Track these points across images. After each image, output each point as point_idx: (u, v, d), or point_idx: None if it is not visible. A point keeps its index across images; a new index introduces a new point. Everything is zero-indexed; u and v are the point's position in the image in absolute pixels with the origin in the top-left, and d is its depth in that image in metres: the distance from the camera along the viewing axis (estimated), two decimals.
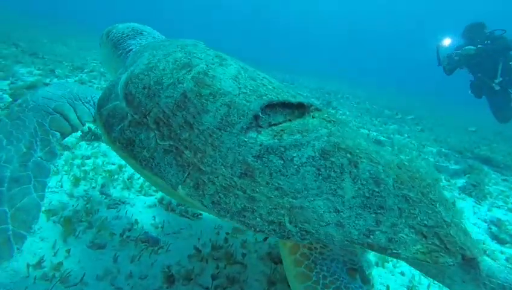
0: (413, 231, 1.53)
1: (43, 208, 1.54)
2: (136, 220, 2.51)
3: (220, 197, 1.37)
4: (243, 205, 1.36)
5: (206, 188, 1.38)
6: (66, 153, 3.39)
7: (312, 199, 1.43)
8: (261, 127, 1.59)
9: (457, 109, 21.24)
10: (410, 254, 1.47)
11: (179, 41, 1.98)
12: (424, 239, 1.53)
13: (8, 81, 5.37)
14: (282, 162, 1.47)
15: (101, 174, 3.11)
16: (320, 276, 1.48)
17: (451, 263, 1.53)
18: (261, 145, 1.48)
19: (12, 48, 8.38)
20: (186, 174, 1.40)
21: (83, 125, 1.74)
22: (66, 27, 23.16)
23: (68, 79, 6.72)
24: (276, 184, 1.42)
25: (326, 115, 1.85)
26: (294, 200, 1.41)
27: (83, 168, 3.14)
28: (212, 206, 1.35)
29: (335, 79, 26.22)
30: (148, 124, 1.51)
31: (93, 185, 2.92)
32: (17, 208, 1.30)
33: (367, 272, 1.71)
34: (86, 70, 8.06)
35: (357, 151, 1.63)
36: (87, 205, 2.54)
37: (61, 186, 2.76)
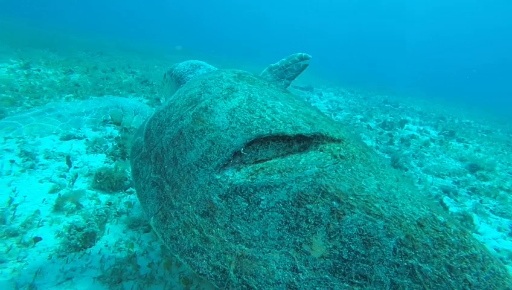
0: None
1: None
2: None
3: (179, 233, 1.44)
4: (195, 245, 1.38)
5: (170, 222, 1.48)
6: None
7: (268, 250, 1.29)
8: (244, 163, 1.54)
9: None
10: None
11: (210, 74, 2.13)
12: None
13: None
14: (247, 204, 1.39)
15: None
16: None
17: None
18: (230, 184, 1.44)
19: (130, 76, 9.36)
20: (160, 207, 1.55)
21: (129, 127, 2.38)
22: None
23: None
24: (234, 228, 1.36)
25: (338, 148, 1.57)
26: (247, 248, 1.31)
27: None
28: (169, 241, 1.44)
29: (438, 97, 22.50)
30: (150, 158, 1.75)
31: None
32: (39, 125, 1.94)
33: None
34: None
35: (351, 198, 1.32)
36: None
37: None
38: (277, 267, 1.25)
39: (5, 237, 2.06)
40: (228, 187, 1.44)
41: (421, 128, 9.11)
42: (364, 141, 6.30)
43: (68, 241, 2.10)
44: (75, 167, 3.28)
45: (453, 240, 1.23)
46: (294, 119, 1.67)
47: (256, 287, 1.23)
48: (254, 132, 1.56)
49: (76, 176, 2.97)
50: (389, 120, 9.24)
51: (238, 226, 1.35)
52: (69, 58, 10.43)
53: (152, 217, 1.54)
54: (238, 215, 1.37)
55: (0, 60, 8.23)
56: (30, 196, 2.58)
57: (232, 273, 1.28)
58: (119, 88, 7.55)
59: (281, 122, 1.62)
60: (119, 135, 4.20)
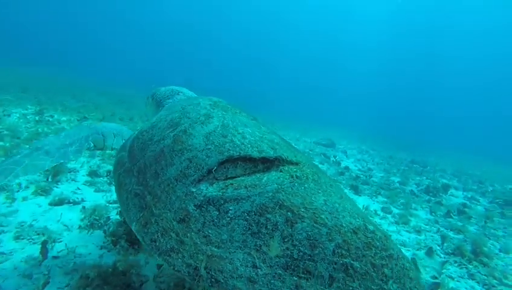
0: None
1: None
2: None
3: (158, 236, 1.68)
4: (172, 246, 1.63)
5: (150, 227, 1.72)
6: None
7: (233, 250, 1.56)
8: (216, 179, 1.83)
9: None
10: None
11: (189, 101, 2.44)
12: None
13: None
14: (217, 213, 1.67)
15: None
16: None
17: None
18: (204, 196, 1.72)
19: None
20: (141, 215, 1.78)
21: (111, 149, 2.53)
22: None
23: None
24: (206, 232, 1.63)
25: (295, 170, 1.91)
26: (216, 249, 1.58)
27: None
28: (149, 243, 1.67)
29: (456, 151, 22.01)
30: (133, 172, 1.99)
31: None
32: (32, 164, 2.05)
33: None
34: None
35: (302, 210, 1.65)
36: None
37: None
38: (240, 265, 1.52)
39: None
40: (202, 198, 1.72)
41: (467, 194, 8.67)
42: (415, 211, 6.18)
43: None
44: (54, 257, 2.40)
45: (377, 243, 1.59)
46: (260, 144, 2.00)
47: (222, 281, 1.49)
48: (226, 153, 1.87)
49: (47, 281, 2.07)
50: (427, 183, 8.98)
51: (209, 231, 1.62)
52: (86, 104, 9.98)
53: (134, 223, 1.77)
54: (209, 222, 1.64)
55: (17, 106, 7.84)
56: None
57: (202, 269, 1.54)
58: None
59: (249, 146, 1.95)
60: None
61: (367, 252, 1.54)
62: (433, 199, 7.48)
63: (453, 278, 3.72)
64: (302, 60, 74.22)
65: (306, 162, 2.03)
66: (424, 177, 10.25)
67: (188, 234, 1.64)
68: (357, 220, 1.69)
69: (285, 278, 1.48)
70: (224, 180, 1.82)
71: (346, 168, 9.20)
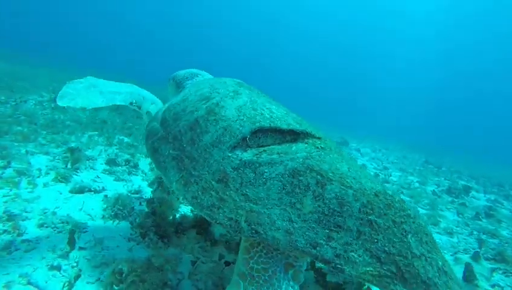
0: (369, 253, 1.62)
1: None
2: None
3: (198, 194, 1.82)
4: (212, 202, 1.77)
5: (190, 187, 1.85)
6: None
7: (270, 207, 1.73)
8: (249, 147, 1.98)
9: None
10: (356, 273, 1.57)
11: (215, 80, 2.59)
12: (378, 263, 1.59)
13: None
14: (253, 175, 1.82)
15: None
16: (257, 255, 1.75)
17: None
18: (240, 160, 1.88)
19: None
20: (180, 175, 1.91)
21: (146, 113, 2.67)
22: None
23: None
24: (244, 191, 1.78)
25: (319, 142, 2.10)
26: (254, 206, 1.73)
27: None
28: (191, 200, 1.81)
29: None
30: (169, 139, 2.11)
31: None
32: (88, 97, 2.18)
33: (302, 274, 1.82)
34: None
35: (330, 175, 1.83)
36: None
37: None
38: (277, 219, 1.69)
39: None
40: (238, 162, 1.87)
41: (490, 197, 8.52)
42: (441, 211, 6.07)
43: None
44: (81, 248, 2.28)
45: (396, 205, 1.79)
46: (286, 118, 2.17)
47: (262, 232, 1.65)
48: (258, 124, 2.03)
49: (79, 274, 1.96)
50: (447, 184, 8.79)
51: (247, 190, 1.78)
52: None
53: (174, 183, 1.90)
54: (246, 183, 1.80)
55: (33, 93, 7.63)
56: None
57: (243, 222, 1.69)
58: None
59: (277, 119, 2.12)
60: (152, 196, 3.04)
61: (388, 211, 1.74)
62: (456, 200, 7.36)
63: (502, 288, 3.43)
64: (298, 61, 75.46)
65: (327, 138, 2.22)
66: (442, 178, 10.11)
67: (227, 193, 1.79)
68: (378, 185, 1.88)
69: (318, 231, 1.66)
70: (256, 148, 1.98)
71: (363, 166, 8.99)
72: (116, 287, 1.87)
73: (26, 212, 2.55)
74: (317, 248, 1.62)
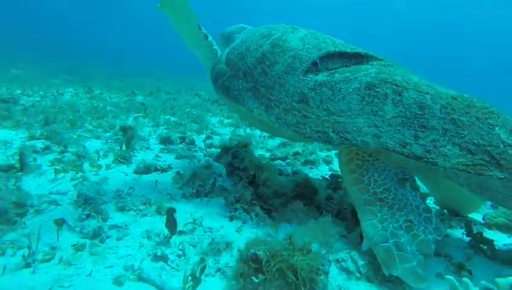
0: (458, 147, 1.68)
1: None
2: None
3: (281, 115, 1.92)
4: (297, 120, 1.87)
5: (272, 110, 1.95)
6: None
7: (354, 117, 1.81)
8: (319, 71, 2.06)
9: None
10: (450, 164, 1.64)
11: (267, 25, 2.65)
12: (469, 155, 1.66)
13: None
14: (331, 92, 1.90)
15: None
16: (372, 180, 1.82)
17: (502, 177, 1.59)
18: (315, 81, 1.95)
19: (196, 98, 8.60)
20: (259, 102, 2.02)
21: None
22: None
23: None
24: (325, 107, 1.86)
25: (384, 62, 2.15)
26: (338, 118, 1.82)
27: None
28: (275, 120, 1.91)
29: None
30: (239, 75, 2.21)
31: None
32: None
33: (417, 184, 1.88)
34: None
35: (405, 84, 1.89)
36: None
37: None
38: (362, 126, 1.77)
39: None
40: (314, 83, 1.95)
41: None
42: None
43: None
44: (181, 232, 1.96)
45: (477, 104, 1.83)
46: (348, 44, 2.23)
47: (351, 138, 1.74)
48: (324, 50, 2.09)
49: (204, 266, 1.58)
50: None
51: (328, 106, 1.86)
52: (127, 84, 9.91)
53: (255, 109, 2.01)
54: (326, 99, 1.88)
55: (66, 86, 7.98)
56: None
57: (331, 132, 1.78)
58: (191, 107, 6.96)
59: (340, 45, 2.17)
60: (245, 164, 2.60)
61: (470, 110, 1.79)
62: None
63: None
64: None
65: (387, 59, 2.26)
66: None
67: (309, 110, 1.88)
68: (452, 91, 1.93)
69: (405, 132, 1.73)
70: (326, 71, 2.05)
71: None
72: (256, 279, 1.42)
73: (99, 195, 2.31)
74: (407, 147, 1.69)
